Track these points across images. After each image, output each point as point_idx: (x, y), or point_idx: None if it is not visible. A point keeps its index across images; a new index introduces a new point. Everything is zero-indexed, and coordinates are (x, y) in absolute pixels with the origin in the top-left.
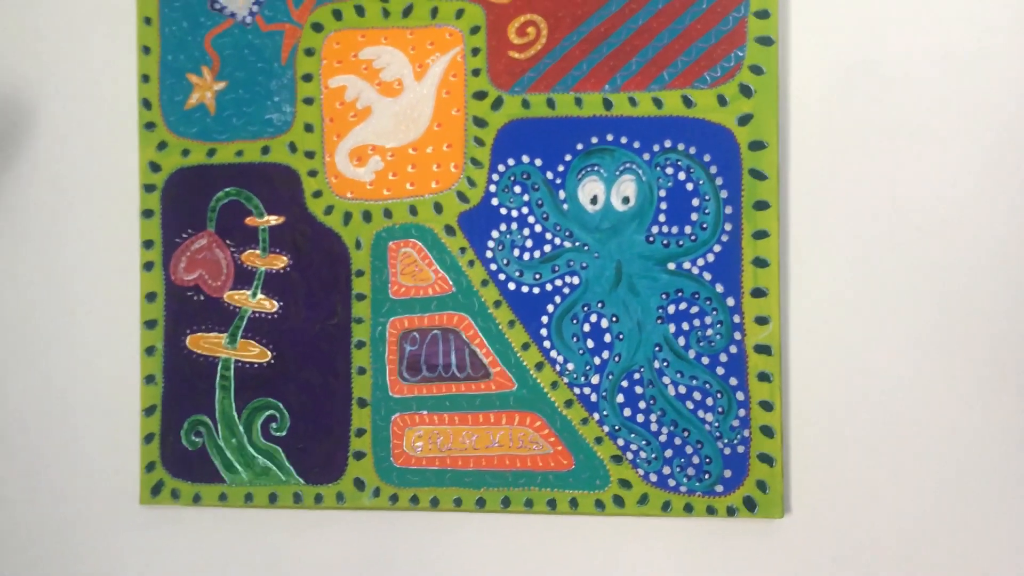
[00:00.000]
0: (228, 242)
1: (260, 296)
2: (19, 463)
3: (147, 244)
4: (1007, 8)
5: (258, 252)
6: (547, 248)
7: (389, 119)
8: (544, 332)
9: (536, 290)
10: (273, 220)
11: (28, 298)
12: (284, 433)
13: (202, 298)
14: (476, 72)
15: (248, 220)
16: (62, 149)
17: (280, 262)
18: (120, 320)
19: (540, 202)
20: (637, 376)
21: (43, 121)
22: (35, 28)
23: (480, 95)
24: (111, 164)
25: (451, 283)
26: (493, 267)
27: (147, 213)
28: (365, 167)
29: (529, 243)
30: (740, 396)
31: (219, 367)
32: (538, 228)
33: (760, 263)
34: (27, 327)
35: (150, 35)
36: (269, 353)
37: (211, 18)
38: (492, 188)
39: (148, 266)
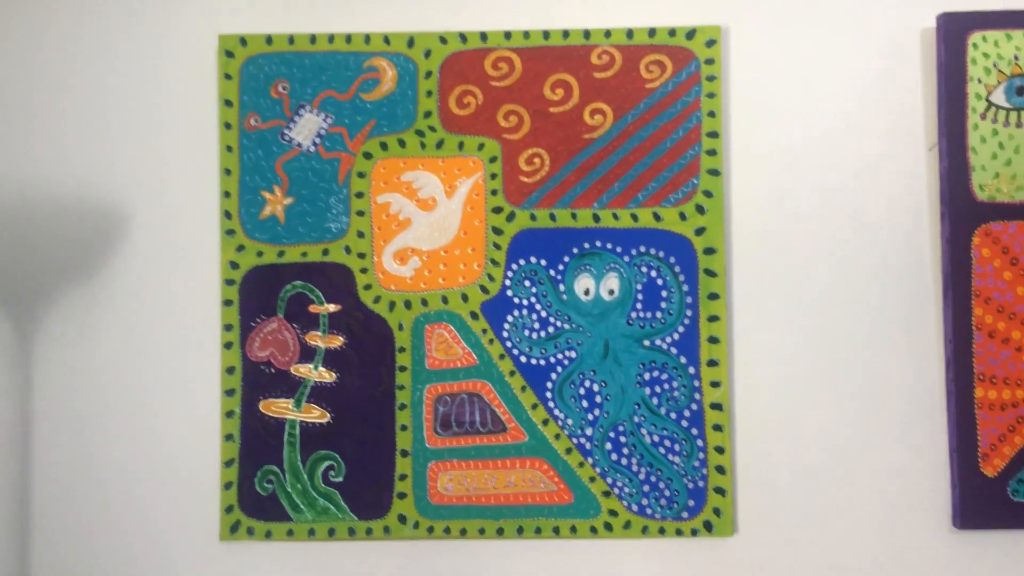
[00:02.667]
0: (294, 325)
1: (321, 369)
2: (116, 506)
3: (227, 327)
4: (891, 156)
5: (319, 333)
6: (551, 329)
7: (425, 228)
8: (549, 395)
9: (542, 362)
10: (332, 307)
11: (131, 368)
12: (341, 479)
13: (273, 371)
14: (494, 192)
15: (311, 307)
16: (156, 251)
17: (337, 341)
18: (205, 390)
19: (545, 293)
20: (621, 428)
21: (140, 227)
22: (135, 153)
23: (497, 210)
24: (198, 263)
25: (475, 357)
26: (508, 344)
27: (227, 302)
28: (406, 266)
29: (536, 325)
30: (700, 443)
31: (287, 427)
32: (543, 314)
33: (713, 340)
34: (129, 394)
35: (231, 160)
36: (328, 415)
37: (281, 147)
38: (507, 282)
39: (228, 345)
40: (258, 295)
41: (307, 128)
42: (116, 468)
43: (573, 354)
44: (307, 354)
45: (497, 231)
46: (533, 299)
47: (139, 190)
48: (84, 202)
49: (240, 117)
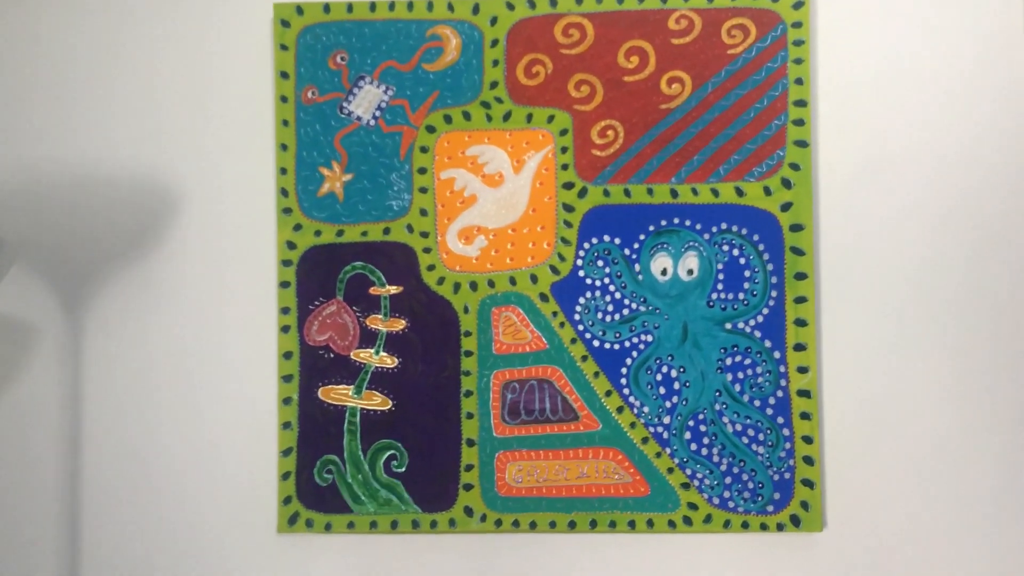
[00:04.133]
0: (354, 308)
1: (382, 354)
2: (168, 498)
3: (284, 310)
4: (994, 119)
5: (380, 316)
6: (625, 312)
7: (492, 205)
8: (624, 381)
9: (616, 347)
10: (393, 289)
11: (183, 355)
12: (404, 469)
13: (332, 356)
14: (565, 167)
15: (372, 290)
16: (209, 230)
17: (399, 325)
18: (261, 375)
19: (619, 274)
20: (701, 417)
21: (195, 207)
22: (187, 129)
23: (568, 185)
24: (254, 243)
25: (545, 341)
26: (580, 328)
27: (284, 284)
28: (472, 245)
29: (610, 308)
30: (786, 432)
31: (347, 414)
32: (618, 295)
33: (800, 323)
34: (183, 381)
35: (287, 135)
36: (390, 402)
37: (340, 121)
38: (579, 262)
39: (285, 329)
40: (316, 276)
41: (367, 100)
42: (167, 457)
43: (649, 338)
44: (368, 338)
45: (568, 208)
46: (607, 280)
47: (191, 167)
48: (135, 180)
49: (297, 90)
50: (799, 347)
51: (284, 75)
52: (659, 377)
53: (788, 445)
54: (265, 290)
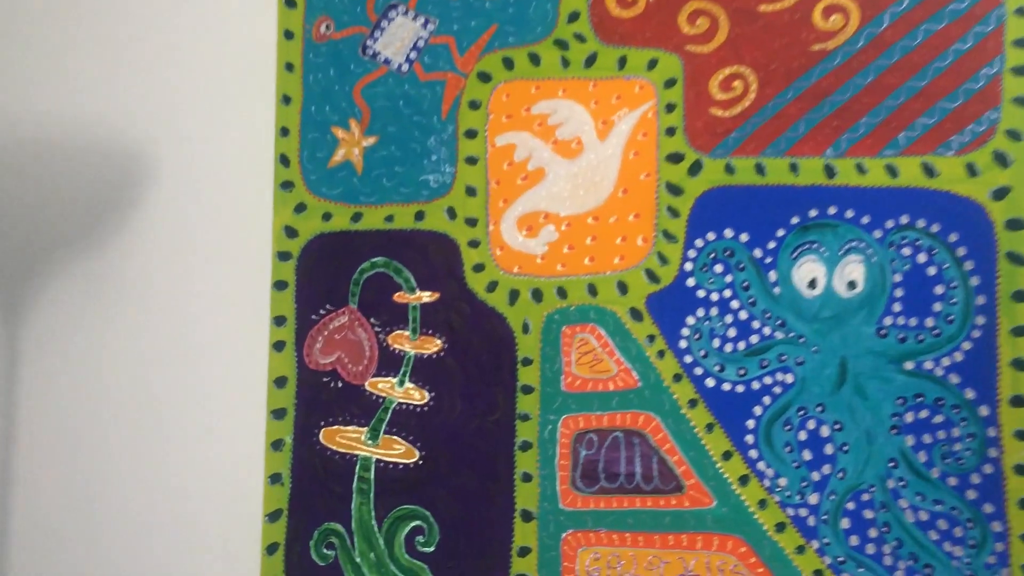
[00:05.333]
0: (372, 321)
1: (408, 385)
2: (114, 569)
3: (278, 321)
4: None
5: (407, 333)
6: (754, 339)
7: (566, 183)
8: (750, 439)
9: (740, 388)
10: (426, 297)
11: (146, 378)
12: (432, 548)
13: (340, 385)
14: (671, 131)
15: (397, 296)
16: (185, 209)
17: (433, 346)
18: (245, 408)
19: (746, 284)
20: (866, 497)
21: (165, 177)
22: (162, 77)
23: (675, 158)
24: (241, 228)
25: (637, 377)
26: (688, 359)
27: (280, 285)
28: (536, 238)
29: (732, 332)
30: (997, 527)
31: (357, 467)
32: (743, 315)
33: (1021, 365)
34: (143, 414)
35: (291, 83)
36: (417, 452)
37: (361, 65)
38: (688, 266)
39: (279, 346)
40: (323, 276)
41: (399, 38)
42: (118, 514)
43: (790, 378)
44: (390, 363)
45: (674, 189)
46: (728, 293)
47: (166, 128)
48: (90, 144)
49: (306, 23)
50: (1019, 401)
51: (290, 3)
52: (803, 436)
53: (1000, 546)
54: (254, 293)
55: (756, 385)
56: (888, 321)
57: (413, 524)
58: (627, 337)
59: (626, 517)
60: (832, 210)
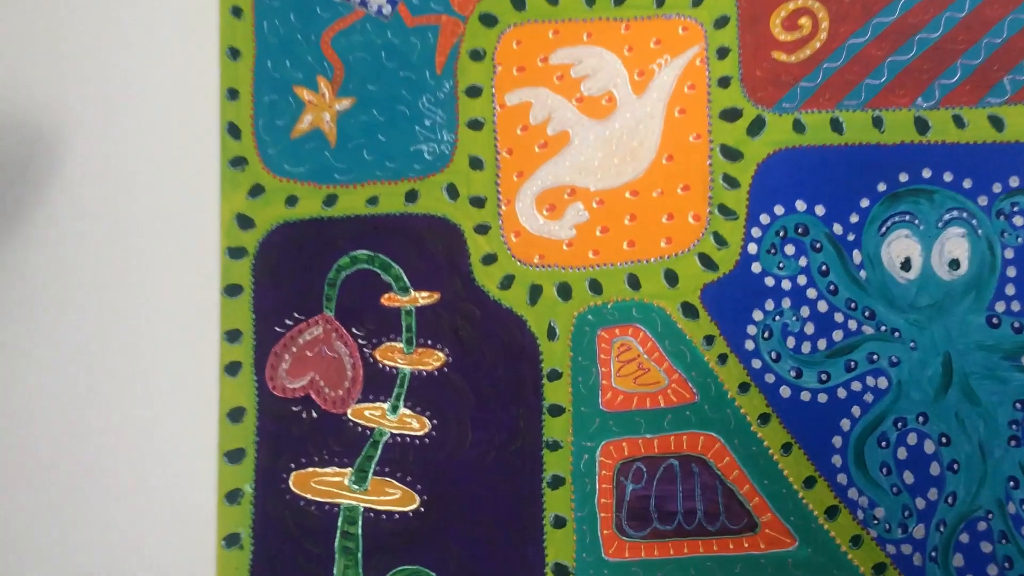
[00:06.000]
0: (355, 331)
1: (403, 411)
2: None
3: (231, 336)
4: None
5: (400, 346)
6: (837, 335)
7: (596, 150)
8: (838, 460)
9: (823, 397)
10: (423, 298)
11: (59, 409)
12: None
13: (315, 415)
14: (724, 82)
15: (386, 299)
16: (103, 195)
17: (434, 360)
18: (189, 451)
19: (824, 268)
20: (983, 526)
21: (77, 154)
22: (69, 15)
23: (731, 114)
24: (178, 218)
25: (693, 389)
26: (756, 364)
27: (232, 290)
28: (561, 219)
29: (810, 328)
30: None
31: (340, 520)
32: (823, 306)
33: None
34: (56, 453)
35: (240, 32)
36: (417, 497)
37: (331, 9)
38: (752, 248)
39: (232, 368)
40: (289, 277)
41: None
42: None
43: (883, 382)
44: (379, 384)
45: (731, 154)
46: (802, 279)
47: (79, 90)
48: None
49: None
50: None
51: None
52: (903, 454)
53: None
54: (198, 302)
55: (842, 393)
56: (1000, 307)
57: None
58: (680, 339)
59: (688, 567)
60: (927, 173)
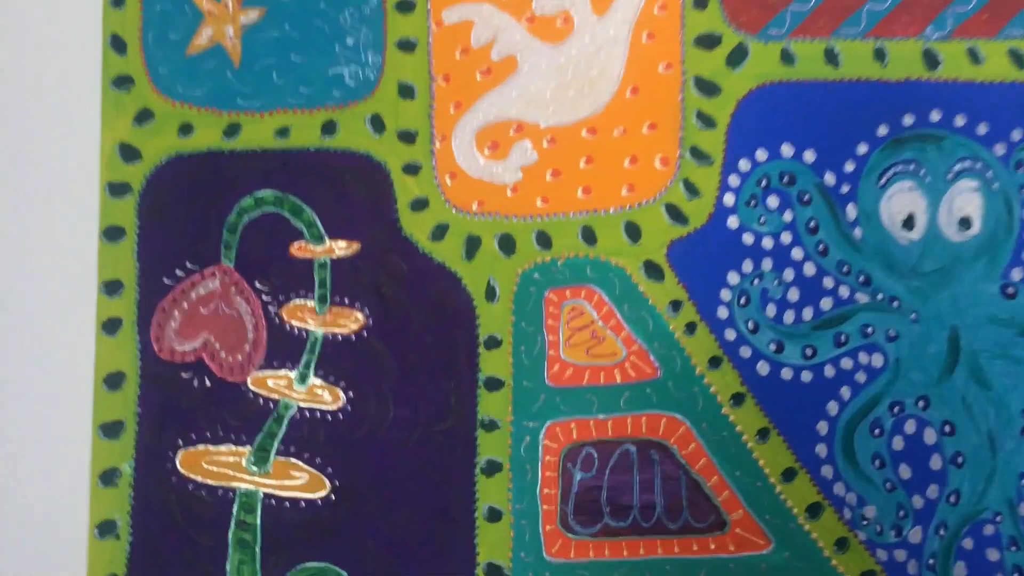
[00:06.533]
0: (258, 286)
1: (313, 381)
2: None
3: (110, 288)
4: None
5: (312, 305)
6: (826, 303)
7: (548, 79)
8: (822, 450)
9: (807, 376)
10: (340, 249)
11: None
12: None
13: (208, 383)
14: (701, 2)
15: (296, 248)
16: None
17: (351, 321)
18: (57, 423)
19: (813, 224)
20: (990, 530)
21: None
22: None
23: (708, 41)
24: (51, 146)
25: (656, 362)
26: (730, 335)
27: (112, 233)
28: (505, 160)
29: (794, 295)
30: None
31: (236, 508)
32: (810, 269)
33: None
34: None
35: None
36: (327, 483)
37: None
38: (728, 200)
39: (110, 326)
40: (180, 219)
41: None
42: None
43: (879, 360)
44: (285, 348)
45: (708, 87)
46: (787, 237)
47: None
48: None
49: None
50: None
51: None
52: (899, 444)
53: None
54: (73, 243)
55: (830, 371)
56: (1017, 275)
57: None
58: (641, 304)
59: (643, 570)
60: (935, 116)
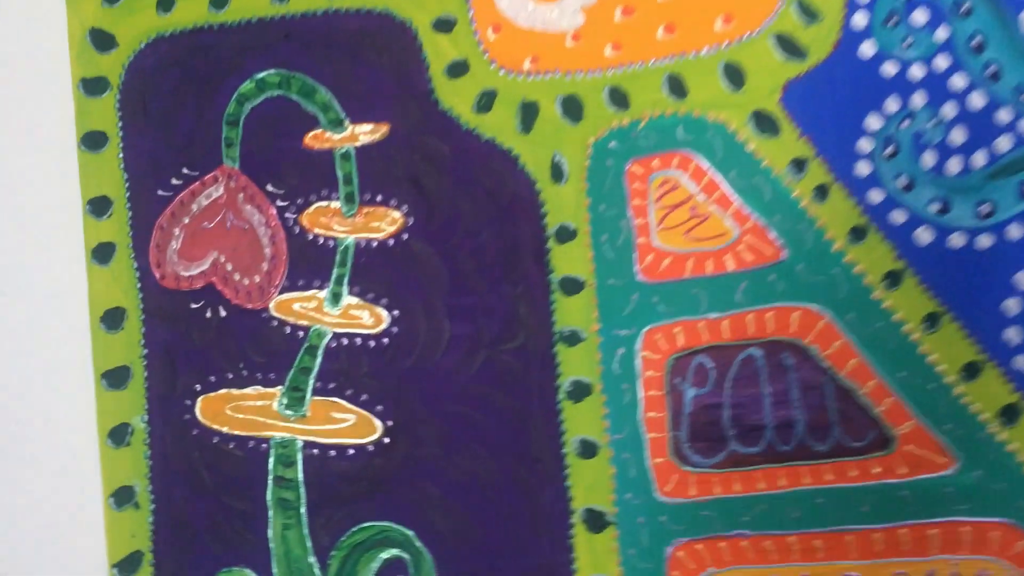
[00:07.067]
0: (270, 189)
1: (349, 300)
2: None
3: (97, 206)
4: None
5: (338, 206)
6: (1003, 144)
7: None
8: (1014, 335)
9: (986, 241)
10: (365, 134)
11: None
12: None
13: (223, 314)
14: None
15: (310, 138)
16: None
17: (387, 223)
18: (56, 375)
19: (978, 41)
20: None
21: None
22: None
23: None
24: (11, 39)
25: (779, 241)
26: (876, 197)
27: (92, 140)
28: (557, 2)
29: (959, 136)
30: None
31: (273, 462)
32: (978, 101)
33: None
34: None
35: None
36: (379, 425)
37: None
38: (859, 20)
39: (102, 253)
40: (170, 116)
41: None
42: None
43: None
44: (311, 263)
45: None
46: (942, 61)
47: None
48: None
49: None
50: None
51: None
52: None
53: None
54: (49, 155)
55: (1016, 232)
56: None
57: (386, 556)
58: (753, 168)
59: (786, 507)
60: None
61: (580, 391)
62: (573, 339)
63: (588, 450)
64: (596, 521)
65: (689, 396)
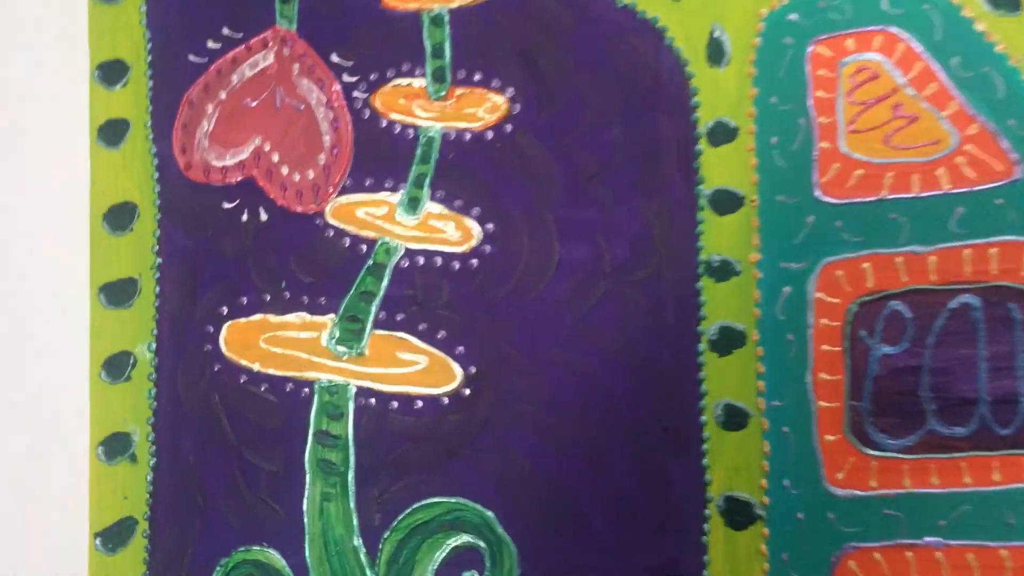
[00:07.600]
0: (335, 60)
1: (430, 209)
2: None
3: (108, 73)
4: None
5: (422, 85)
6: None
7: None
8: None
9: None
10: None
11: None
12: None
13: (264, 218)
14: None
15: None
16: None
17: (486, 110)
18: (48, 286)
19: None
20: None
21: None
22: None
23: None
24: None
25: (1012, 153)
26: None
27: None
28: None
29: None
30: None
31: (315, 412)
32: None
33: None
34: None
35: None
36: (457, 371)
37: None
38: None
39: (111, 133)
40: None
41: None
42: None
43: None
44: (382, 157)
45: None
46: None
47: None
48: None
49: None
50: None
51: None
52: None
53: None
54: (53, 14)
55: None
56: None
57: (455, 543)
58: (983, 54)
59: (997, 509)
60: None
61: (729, 341)
62: (724, 271)
63: (736, 419)
64: (740, 514)
65: (877, 355)
